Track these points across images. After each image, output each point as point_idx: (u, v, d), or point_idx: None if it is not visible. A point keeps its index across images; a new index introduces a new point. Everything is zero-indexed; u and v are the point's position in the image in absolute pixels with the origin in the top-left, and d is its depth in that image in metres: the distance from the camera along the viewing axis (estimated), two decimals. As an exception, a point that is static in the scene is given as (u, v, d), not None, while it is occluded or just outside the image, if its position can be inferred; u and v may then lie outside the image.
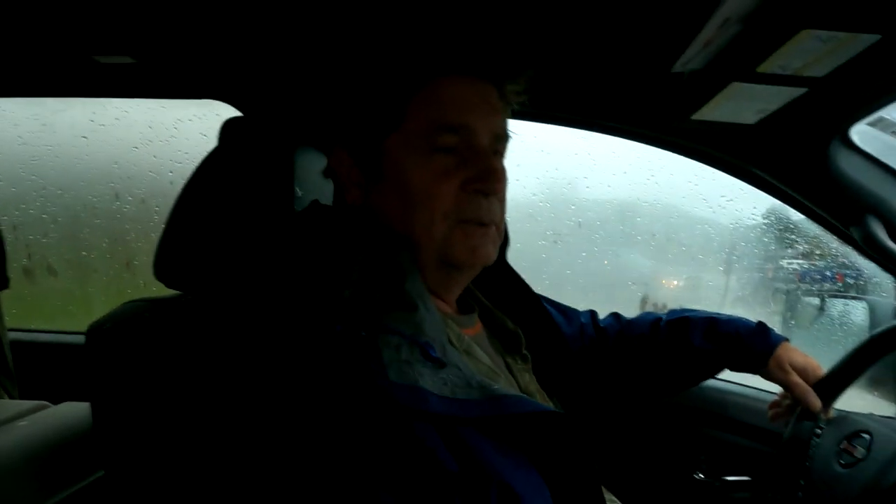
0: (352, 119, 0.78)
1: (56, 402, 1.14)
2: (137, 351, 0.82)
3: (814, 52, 0.82)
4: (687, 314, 1.12)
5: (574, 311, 1.16)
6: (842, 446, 1.03)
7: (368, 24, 0.93)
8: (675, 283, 1.85)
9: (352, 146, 0.77)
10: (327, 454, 0.59)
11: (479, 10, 0.87)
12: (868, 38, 0.77)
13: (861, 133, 1.24)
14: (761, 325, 1.08)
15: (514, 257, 1.01)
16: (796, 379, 1.03)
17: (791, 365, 1.04)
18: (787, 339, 1.07)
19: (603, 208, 1.68)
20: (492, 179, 0.74)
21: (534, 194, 1.64)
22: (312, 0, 0.87)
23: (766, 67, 0.88)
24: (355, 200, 0.78)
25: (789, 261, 1.77)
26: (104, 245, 1.86)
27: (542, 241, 1.63)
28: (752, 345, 1.05)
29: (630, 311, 1.21)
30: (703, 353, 1.07)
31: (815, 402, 1.03)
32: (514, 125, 0.83)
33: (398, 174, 0.74)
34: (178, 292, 0.92)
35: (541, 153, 1.57)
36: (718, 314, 1.13)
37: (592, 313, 1.18)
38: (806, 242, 1.67)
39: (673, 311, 1.15)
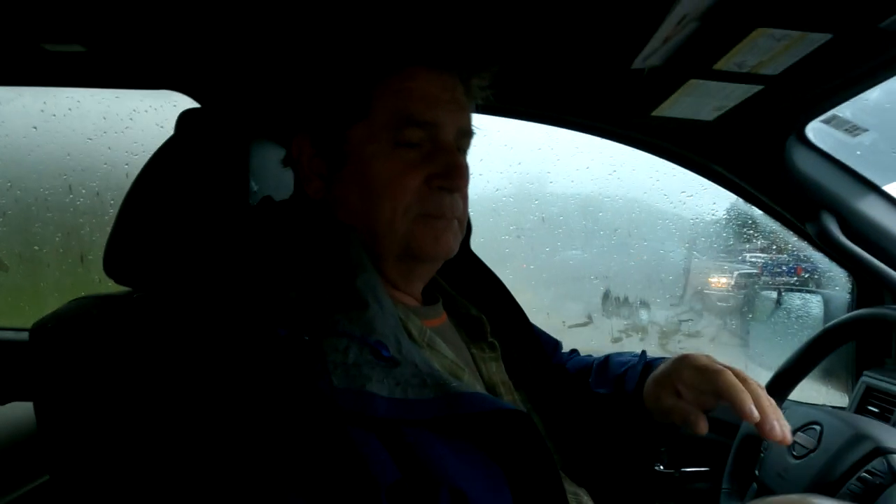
0: (316, 106, 0.76)
1: (3, 402, 1.10)
2: (82, 350, 0.79)
3: (768, 50, 0.83)
4: (602, 358, 1.00)
5: (554, 341, 1.07)
6: (794, 438, 1.05)
7: (337, 10, 0.91)
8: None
9: (315, 135, 0.76)
10: (248, 454, 0.57)
11: (450, 1, 0.86)
12: (819, 38, 0.79)
13: (816, 130, 1.27)
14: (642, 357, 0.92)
15: (478, 251, 1.01)
16: (676, 403, 0.80)
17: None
18: (648, 363, 0.90)
19: (566, 203, 1.68)
20: (456, 176, 0.74)
21: (497, 189, 1.64)
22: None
23: (722, 65, 0.89)
24: (316, 192, 0.76)
25: (751, 255, 1.81)
26: (57, 239, 1.81)
27: (505, 236, 1.64)
28: (627, 387, 0.89)
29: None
30: (606, 402, 0.92)
31: (701, 426, 0.75)
32: (478, 119, 0.83)
33: (361, 165, 0.73)
34: (129, 289, 0.90)
35: (504, 148, 1.57)
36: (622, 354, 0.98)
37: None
38: (765, 238, 1.71)
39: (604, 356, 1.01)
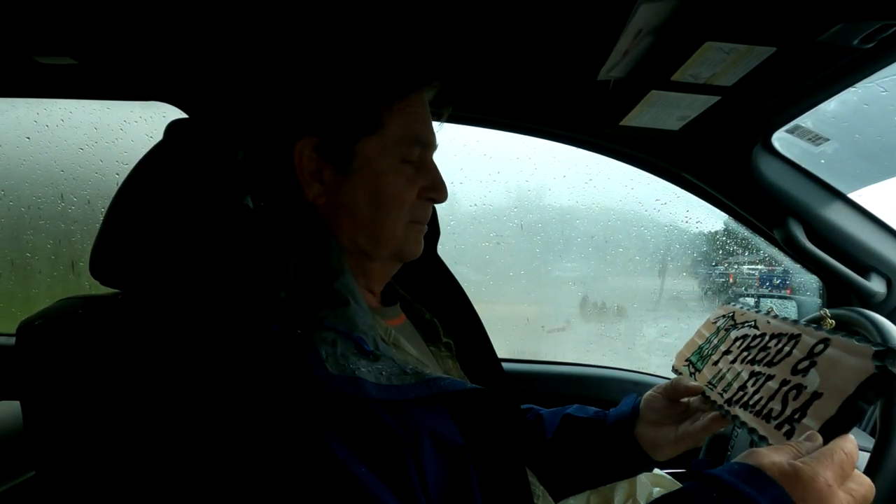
0: (326, 117, 0.78)
1: (-7, 403, 1.13)
2: (68, 348, 0.82)
3: (719, 62, 0.87)
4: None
5: None
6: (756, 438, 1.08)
7: (351, 29, 0.97)
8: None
9: (321, 143, 0.77)
10: (243, 448, 0.61)
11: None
12: (765, 51, 0.83)
13: (781, 140, 1.32)
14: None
15: (458, 257, 1.04)
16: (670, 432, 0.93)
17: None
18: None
19: (544, 211, 1.73)
20: (442, 189, 0.82)
21: (476, 197, 1.65)
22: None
23: (679, 76, 0.93)
24: (317, 197, 0.78)
25: (728, 261, 1.85)
26: (48, 246, 1.84)
27: (485, 243, 1.66)
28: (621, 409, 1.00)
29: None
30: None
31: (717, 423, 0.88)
32: (458, 130, 0.89)
33: (372, 177, 0.77)
34: (115, 290, 0.92)
35: (484, 157, 1.60)
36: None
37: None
38: (736, 244, 1.75)
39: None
